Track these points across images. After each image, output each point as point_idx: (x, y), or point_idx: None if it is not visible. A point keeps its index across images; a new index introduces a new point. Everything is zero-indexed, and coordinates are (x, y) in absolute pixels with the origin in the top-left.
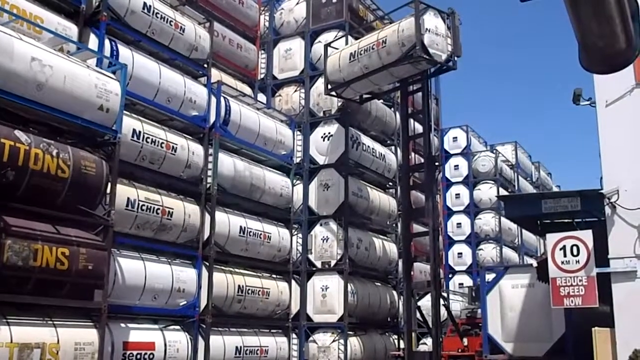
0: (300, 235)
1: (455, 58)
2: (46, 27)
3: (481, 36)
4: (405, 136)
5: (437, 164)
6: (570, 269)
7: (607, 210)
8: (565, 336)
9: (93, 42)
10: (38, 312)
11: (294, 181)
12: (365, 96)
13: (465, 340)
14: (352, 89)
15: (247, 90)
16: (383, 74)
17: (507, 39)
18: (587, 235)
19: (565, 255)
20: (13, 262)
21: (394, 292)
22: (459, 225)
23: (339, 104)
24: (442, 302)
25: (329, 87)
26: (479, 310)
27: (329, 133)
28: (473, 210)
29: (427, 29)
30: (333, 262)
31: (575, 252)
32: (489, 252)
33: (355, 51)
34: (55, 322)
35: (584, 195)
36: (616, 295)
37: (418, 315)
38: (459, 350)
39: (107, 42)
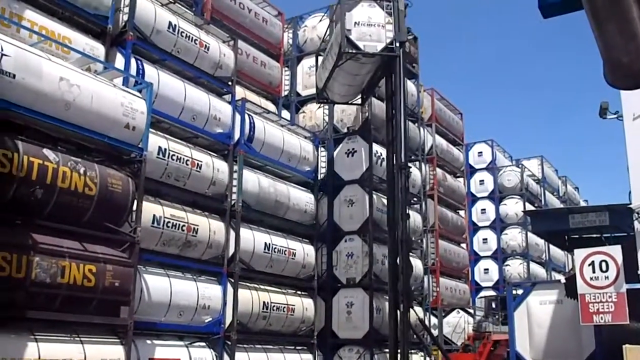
0: (324, 251)
1: (397, 44)
2: (74, 48)
3: (507, 51)
4: (390, 138)
5: (409, 167)
6: (599, 285)
7: (637, 225)
8: (595, 354)
9: (119, 61)
10: (65, 329)
11: (318, 197)
12: (359, 98)
13: (441, 356)
14: (337, 94)
15: (271, 107)
16: (342, 74)
17: (532, 52)
18: (616, 251)
19: (594, 271)
20: (41, 279)
21: (420, 309)
22: (485, 240)
23: (363, 119)
24: (416, 316)
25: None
26: (484, 324)
27: (353, 149)
28: (499, 225)
29: (355, 22)
30: (358, 278)
31: (604, 268)
32: (515, 267)
33: (324, 57)
34: (82, 339)
35: (612, 209)
36: None
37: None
38: None
39: (133, 61)
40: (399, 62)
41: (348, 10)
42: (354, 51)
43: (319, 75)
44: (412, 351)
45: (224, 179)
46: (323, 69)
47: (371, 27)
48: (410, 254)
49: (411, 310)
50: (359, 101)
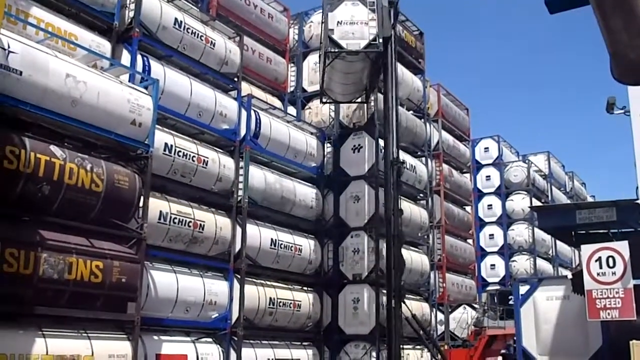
0: (330, 247)
1: (381, 40)
2: (80, 44)
3: (513, 46)
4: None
5: (401, 163)
6: (606, 281)
7: None
8: (602, 350)
9: (126, 58)
10: (73, 325)
11: (324, 193)
12: (364, 95)
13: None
14: (338, 93)
15: (277, 103)
16: (336, 74)
17: (539, 47)
18: (623, 246)
19: (601, 267)
20: (49, 275)
21: (426, 305)
22: (491, 236)
23: (369, 115)
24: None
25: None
26: (481, 319)
27: (359, 145)
28: (506, 221)
29: (338, 21)
30: (364, 274)
31: (611, 264)
32: (522, 263)
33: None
34: (89, 335)
35: (619, 205)
36: None
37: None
38: None
39: (139, 58)
40: (391, 57)
41: (331, 11)
42: (336, 50)
43: (319, 76)
44: (418, 347)
45: (230, 175)
46: (320, 69)
47: (354, 25)
48: (416, 249)
49: (404, 305)
50: (364, 98)
